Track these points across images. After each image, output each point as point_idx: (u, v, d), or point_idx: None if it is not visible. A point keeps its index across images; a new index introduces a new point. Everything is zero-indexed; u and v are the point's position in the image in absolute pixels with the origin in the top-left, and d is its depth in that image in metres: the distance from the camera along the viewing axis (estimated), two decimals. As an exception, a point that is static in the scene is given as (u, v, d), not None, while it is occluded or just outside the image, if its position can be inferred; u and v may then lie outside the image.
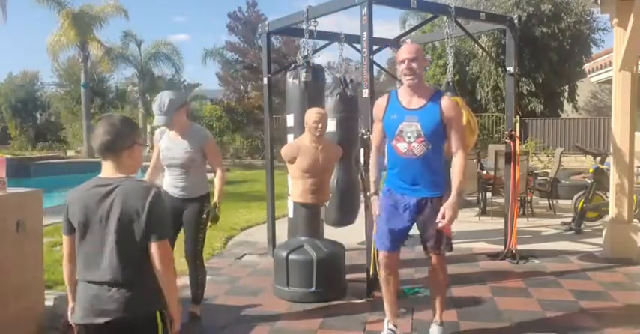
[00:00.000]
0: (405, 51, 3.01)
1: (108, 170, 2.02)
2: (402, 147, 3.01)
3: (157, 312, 1.92)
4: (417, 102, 3.01)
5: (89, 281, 1.92)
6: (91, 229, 1.93)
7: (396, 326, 3.29)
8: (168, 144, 3.56)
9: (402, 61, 2.98)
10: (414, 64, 2.95)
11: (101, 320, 1.88)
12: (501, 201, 6.43)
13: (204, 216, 3.62)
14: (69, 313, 2.05)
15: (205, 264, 3.89)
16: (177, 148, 3.52)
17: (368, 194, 3.41)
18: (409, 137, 2.98)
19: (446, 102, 3.00)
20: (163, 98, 3.37)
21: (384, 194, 3.20)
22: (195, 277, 3.67)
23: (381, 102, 3.18)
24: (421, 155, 2.98)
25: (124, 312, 1.87)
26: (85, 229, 1.94)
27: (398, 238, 3.16)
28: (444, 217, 2.95)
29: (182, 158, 3.52)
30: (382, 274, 3.28)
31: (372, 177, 3.28)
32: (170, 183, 3.62)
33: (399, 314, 3.43)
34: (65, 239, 2.05)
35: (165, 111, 3.35)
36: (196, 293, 3.68)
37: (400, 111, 3.03)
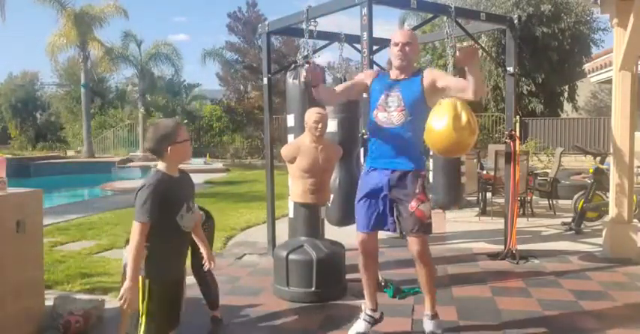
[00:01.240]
0: (400, 35, 3.15)
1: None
2: (381, 116, 3.13)
3: (140, 278, 2.38)
4: (401, 75, 3.15)
5: None
6: None
7: (374, 310, 3.31)
8: None
9: (396, 44, 3.12)
10: (407, 48, 3.11)
11: None
12: (501, 201, 6.43)
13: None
14: None
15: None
16: None
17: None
18: (389, 107, 3.11)
19: (426, 71, 3.13)
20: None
21: (364, 173, 3.25)
22: (207, 287, 3.59)
23: (368, 72, 3.36)
24: (399, 124, 3.07)
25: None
26: None
27: (376, 218, 3.14)
28: (416, 201, 3.01)
29: None
30: (361, 260, 3.27)
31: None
32: None
33: (377, 305, 3.37)
34: None
35: None
36: (213, 301, 3.61)
37: (385, 83, 3.16)
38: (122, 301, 2.32)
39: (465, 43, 3.04)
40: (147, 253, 2.36)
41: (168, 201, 2.37)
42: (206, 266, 2.78)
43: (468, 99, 2.98)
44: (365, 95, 3.34)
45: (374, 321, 3.31)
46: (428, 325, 3.23)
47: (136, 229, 2.31)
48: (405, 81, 3.11)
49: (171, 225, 2.41)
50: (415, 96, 3.07)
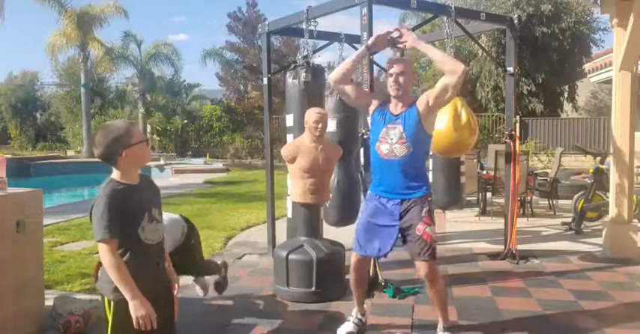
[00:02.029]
0: (395, 65, 3.16)
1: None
2: (384, 148, 3.15)
3: (106, 299, 2.19)
4: (401, 108, 3.17)
5: None
6: None
7: (363, 315, 3.44)
8: None
9: (391, 75, 3.15)
10: (401, 79, 3.12)
11: None
12: (501, 201, 6.42)
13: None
14: None
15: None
16: None
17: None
18: (392, 139, 3.12)
19: (420, 97, 3.15)
20: None
21: (370, 198, 3.27)
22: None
23: (377, 98, 3.34)
24: (402, 156, 3.10)
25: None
26: None
27: (376, 246, 3.17)
28: (423, 224, 3.04)
29: None
30: (352, 277, 3.36)
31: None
32: None
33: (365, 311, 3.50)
34: None
35: None
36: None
37: (387, 116, 3.19)
38: (142, 323, 2.09)
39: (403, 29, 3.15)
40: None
41: (126, 212, 2.12)
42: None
43: (453, 82, 2.96)
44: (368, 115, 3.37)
45: (362, 325, 3.43)
46: None
47: (101, 249, 2.08)
48: (405, 113, 3.14)
49: (132, 239, 2.15)
50: (415, 127, 3.10)
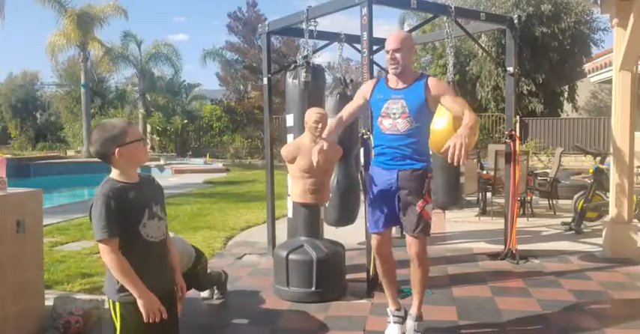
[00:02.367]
0: (390, 41, 3.10)
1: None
2: (386, 123, 3.12)
3: (110, 301, 2.16)
4: (403, 83, 3.13)
5: None
6: None
7: (399, 309, 3.33)
8: None
9: (387, 51, 3.10)
10: (397, 55, 3.06)
11: None
12: (501, 201, 6.42)
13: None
14: None
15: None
16: None
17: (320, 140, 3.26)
18: (394, 114, 3.09)
19: (432, 80, 3.10)
20: None
21: (372, 173, 3.26)
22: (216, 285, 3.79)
23: (369, 83, 3.34)
24: (404, 131, 3.07)
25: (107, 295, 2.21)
26: None
27: (388, 217, 3.17)
28: (423, 201, 3.04)
29: None
30: (379, 265, 3.31)
31: (333, 123, 3.30)
32: None
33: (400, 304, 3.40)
34: None
35: None
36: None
37: (387, 91, 3.16)
38: (152, 316, 2.07)
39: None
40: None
41: (125, 210, 2.09)
42: (179, 294, 2.43)
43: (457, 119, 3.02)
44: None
45: (403, 320, 3.32)
46: (411, 325, 3.25)
47: (102, 250, 2.06)
48: (408, 88, 3.10)
49: (134, 237, 2.12)
50: (419, 102, 3.07)
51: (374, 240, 3.28)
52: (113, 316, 2.16)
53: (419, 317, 3.28)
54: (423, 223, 3.08)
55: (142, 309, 2.07)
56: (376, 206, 3.21)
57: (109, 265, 2.07)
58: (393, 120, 3.09)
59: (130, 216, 2.11)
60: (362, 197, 4.38)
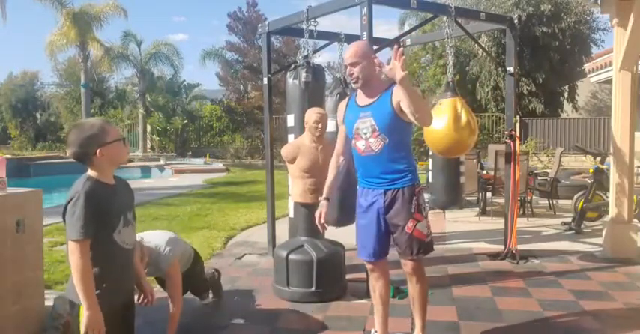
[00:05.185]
0: (345, 55, 2.91)
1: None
2: (360, 145, 2.92)
3: (81, 307, 2.01)
4: (370, 98, 2.91)
5: None
6: None
7: None
8: None
9: (345, 66, 2.94)
10: (354, 69, 2.87)
11: None
12: (501, 201, 6.42)
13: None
14: None
15: (205, 264, 3.90)
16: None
17: (320, 198, 3.23)
18: (365, 134, 2.88)
19: (395, 88, 2.78)
20: None
21: (359, 195, 3.06)
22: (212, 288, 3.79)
23: (341, 106, 3.15)
24: (379, 150, 2.86)
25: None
26: None
27: (378, 243, 2.98)
28: (413, 221, 2.85)
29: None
30: (374, 290, 3.13)
31: (327, 182, 3.19)
32: None
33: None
34: None
35: None
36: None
37: (355, 111, 2.96)
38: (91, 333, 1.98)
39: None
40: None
41: (102, 214, 2.02)
42: (145, 302, 2.38)
43: (415, 122, 2.77)
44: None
45: None
46: None
47: (72, 249, 1.97)
48: (374, 104, 2.88)
49: (109, 243, 2.06)
50: (388, 116, 2.83)
51: (367, 265, 3.09)
52: (80, 320, 2.03)
53: None
54: (418, 244, 2.88)
55: (83, 322, 1.98)
56: (365, 231, 3.01)
57: (73, 267, 1.98)
58: (365, 140, 2.89)
59: (107, 221, 2.04)
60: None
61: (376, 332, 3.16)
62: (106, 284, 2.06)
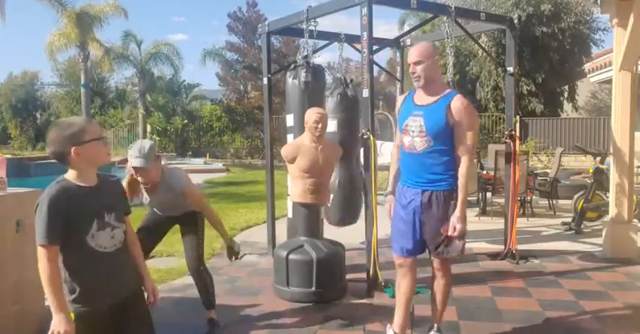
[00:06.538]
0: (410, 54, 2.98)
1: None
2: (406, 141, 2.99)
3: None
4: (427, 99, 2.96)
5: None
6: None
7: None
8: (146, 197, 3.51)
9: (409, 65, 2.98)
10: (417, 67, 2.93)
11: None
12: (501, 201, 6.43)
13: (199, 222, 3.69)
14: None
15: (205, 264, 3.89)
16: (157, 197, 3.47)
17: (384, 192, 3.37)
18: (413, 131, 2.95)
19: (456, 103, 2.88)
20: (144, 144, 3.29)
21: (398, 192, 3.10)
22: (204, 283, 3.54)
23: (400, 98, 3.23)
24: (421, 150, 2.93)
25: None
26: None
27: (414, 240, 3.00)
28: (447, 223, 2.90)
29: (167, 200, 3.49)
30: (400, 287, 3.14)
31: (391, 177, 3.23)
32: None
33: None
34: None
35: (145, 155, 3.22)
36: (209, 299, 3.54)
37: (410, 107, 3.03)
38: None
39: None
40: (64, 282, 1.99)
41: (69, 217, 1.93)
42: (150, 300, 2.29)
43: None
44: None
45: None
46: None
47: (38, 254, 1.91)
48: (429, 107, 2.93)
49: (81, 247, 1.97)
50: (439, 123, 2.89)
51: (396, 260, 3.10)
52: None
53: (441, 330, 3.22)
54: (451, 246, 2.95)
55: (52, 325, 1.96)
56: (401, 226, 3.04)
57: (40, 272, 1.92)
58: (411, 137, 2.96)
59: (74, 225, 1.96)
60: (363, 197, 4.39)
61: (390, 327, 3.19)
62: (81, 288, 2.01)
